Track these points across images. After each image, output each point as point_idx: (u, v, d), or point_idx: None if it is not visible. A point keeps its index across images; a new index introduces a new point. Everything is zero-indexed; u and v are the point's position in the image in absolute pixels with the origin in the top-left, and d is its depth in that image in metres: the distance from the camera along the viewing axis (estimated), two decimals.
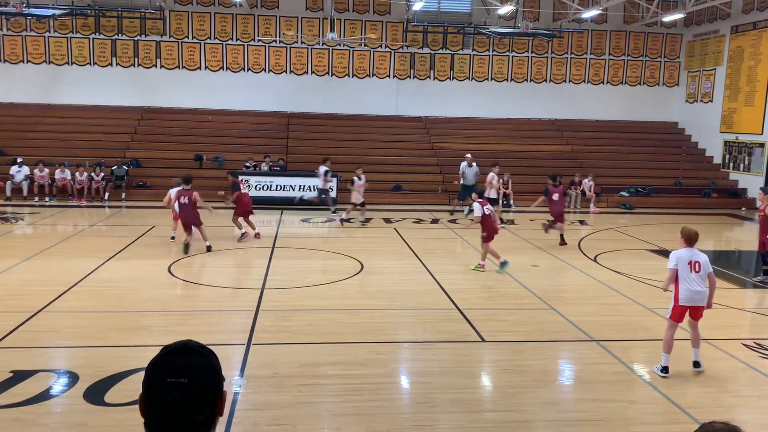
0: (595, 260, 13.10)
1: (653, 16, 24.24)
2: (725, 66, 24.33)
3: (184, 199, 12.84)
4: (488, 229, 11.65)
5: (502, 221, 13.61)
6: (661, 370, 7.01)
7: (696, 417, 5.90)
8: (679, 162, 24.77)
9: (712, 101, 25.13)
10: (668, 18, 23.92)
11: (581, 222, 18.97)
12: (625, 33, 26.50)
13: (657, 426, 5.93)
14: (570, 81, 26.54)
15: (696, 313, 7.17)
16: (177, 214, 13.18)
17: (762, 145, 22.52)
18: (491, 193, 17.25)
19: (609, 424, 5.88)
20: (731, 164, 24.07)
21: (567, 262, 12.81)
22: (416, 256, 13.00)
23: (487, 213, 11.60)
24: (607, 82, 26.76)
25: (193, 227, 12.85)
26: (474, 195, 12.32)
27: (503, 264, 11.61)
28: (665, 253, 13.87)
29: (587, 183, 21.45)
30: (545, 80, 26.40)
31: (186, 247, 12.51)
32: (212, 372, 1.72)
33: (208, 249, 12.86)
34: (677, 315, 7.11)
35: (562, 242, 14.29)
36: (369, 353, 7.41)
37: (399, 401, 6.47)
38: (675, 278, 7.08)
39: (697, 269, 7.02)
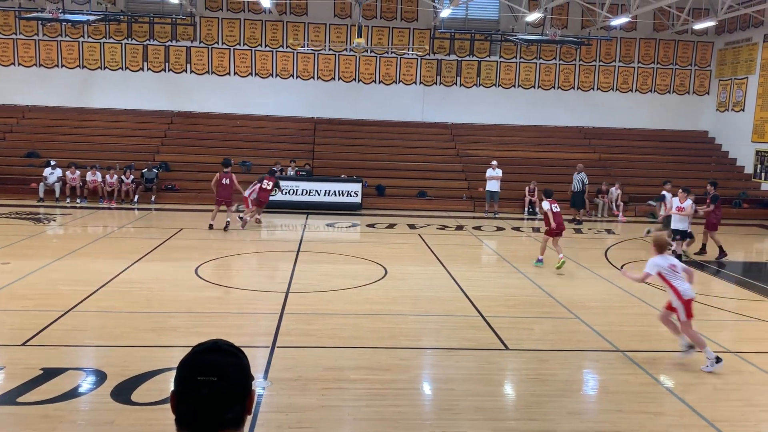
0: (621, 270, 12.93)
1: (684, 24, 23.94)
2: (758, 74, 23.91)
3: (226, 180, 15.84)
4: (554, 224, 12.60)
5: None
6: (716, 361, 7.29)
7: (723, 431, 5.80)
8: (709, 171, 24.37)
9: (743, 110, 24.71)
10: (699, 26, 23.60)
11: (608, 231, 18.77)
12: (654, 41, 26.21)
13: None
14: (598, 89, 26.32)
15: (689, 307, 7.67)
16: (218, 196, 15.97)
17: None
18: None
19: None
20: (763, 174, 23.61)
21: (593, 271, 12.69)
22: (440, 262, 12.98)
23: (555, 210, 12.69)
24: (636, 90, 26.48)
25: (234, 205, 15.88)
26: (540, 194, 13.88)
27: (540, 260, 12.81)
28: (696, 264, 13.67)
29: (614, 191, 21.22)
30: (573, 87, 26.21)
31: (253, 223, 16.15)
32: (242, 371, 1.75)
33: (226, 227, 15.53)
34: (690, 311, 7.54)
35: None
36: (392, 359, 7.42)
37: (421, 407, 6.46)
38: (665, 282, 7.68)
39: (677, 270, 7.69)
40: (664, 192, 15.59)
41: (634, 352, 7.92)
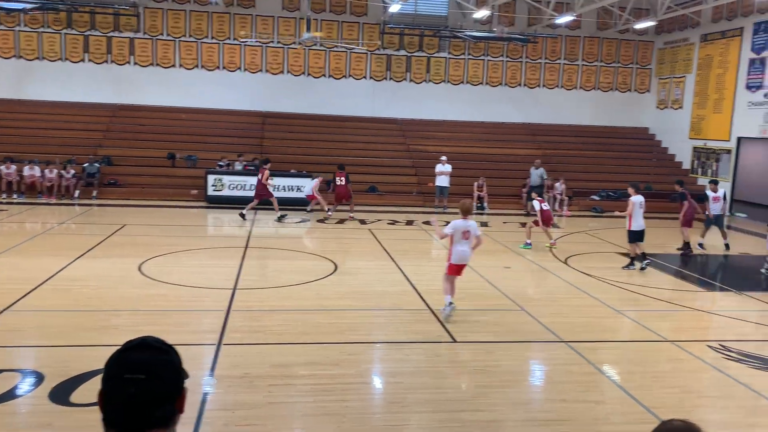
0: (565, 262, 13.26)
1: (626, 24, 24.63)
2: (694, 73, 24.82)
3: (260, 175, 17.14)
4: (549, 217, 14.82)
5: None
6: (449, 305, 8.80)
7: (661, 417, 6.01)
8: (649, 167, 25.19)
9: (681, 108, 25.61)
10: (640, 25, 24.32)
11: (553, 225, 19.16)
12: (598, 39, 26.87)
13: (622, 426, 6.03)
14: (544, 86, 26.83)
15: (461, 270, 9.10)
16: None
17: (729, 151, 23.02)
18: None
19: (576, 424, 5.96)
20: (700, 170, 24.55)
21: (539, 264, 12.96)
22: (390, 257, 13.03)
23: (545, 208, 14.87)
24: (580, 88, 27.11)
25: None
26: (534, 194, 15.38)
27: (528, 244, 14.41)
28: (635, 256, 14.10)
29: (559, 187, 21.70)
30: (519, 84, 26.65)
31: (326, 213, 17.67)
32: (171, 368, 1.71)
33: (280, 218, 16.91)
34: (452, 271, 9.02)
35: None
36: (341, 354, 7.41)
37: (370, 401, 6.48)
38: (450, 241, 8.98)
39: (467, 237, 8.86)
40: (707, 191, 15.82)
41: (578, 342, 8.13)
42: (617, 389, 6.82)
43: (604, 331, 9.05)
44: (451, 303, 8.85)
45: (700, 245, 15.20)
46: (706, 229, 15.64)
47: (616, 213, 14.78)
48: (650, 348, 8.24)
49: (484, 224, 18.52)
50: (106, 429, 1.65)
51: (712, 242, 15.69)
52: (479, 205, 21.31)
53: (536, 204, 14.97)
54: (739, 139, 22.71)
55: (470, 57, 26.19)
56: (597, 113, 27.02)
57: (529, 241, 14.73)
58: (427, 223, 18.08)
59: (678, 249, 15.09)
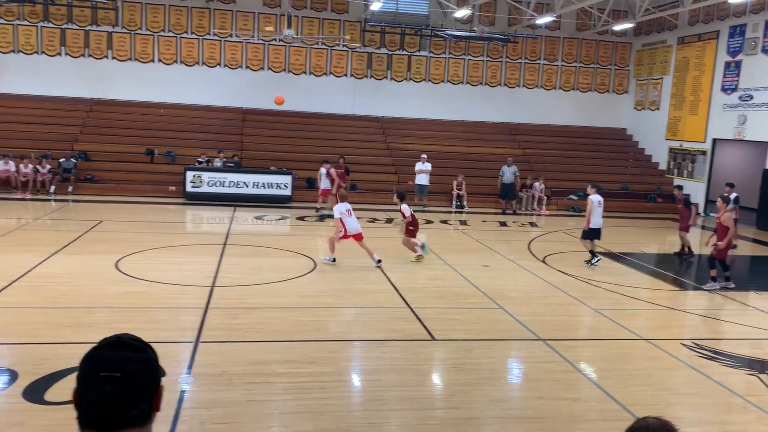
0: (543, 261, 13.37)
1: (604, 25, 24.88)
2: (671, 75, 25.15)
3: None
4: (415, 224, 12.89)
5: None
6: (332, 261, 11.71)
7: (636, 414, 6.08)
8: (626, 167, 25.49)
9: (659, 109, 25.95)
10: (618, 27, 24.57)
11: (531, 224, 19.33)
12: (577, 40, 27.12)
13: (598, 423, 6.10)
14: (524, 85, 27.01)
15: (359, 237, 11.97)
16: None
17: (704, 152, 23.37)
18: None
19: (553, 421, 6.02)
20: (676, 170, 24.90)
21: (516, 263, 13.04)
22: (370, 255, 12.99)
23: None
24: (560, 88, 27.34)
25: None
26: (395, 197, 13.21)
27: (423, 246, 12.84)
28: (611, 256, 14.27)
29: (538, 186, 21.87)
30: (499, 84, 26.80)
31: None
32: (147, 366, 1.69)
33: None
34: (346, 237, 11.82)
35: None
36: (319, 351, 7.40)
37: (348, 399, 6.48)
38: (341, 222, 11.69)
39: (351, 215, 11.90)
40: (735, 194, 15.72)
41: (555, 340, 8.20)
42: (594, 387, 6.89)
43: (582, 329, 9.14)
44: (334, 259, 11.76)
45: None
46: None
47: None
48: (626, 346, 8.35)
49: (462, 222, 18.62)
50: (81, 428, 1.63)
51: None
52: (458, 203, 21.40)
53: (406, 209, 12.76)
54: (715, 141, 23.07)
55: (451, 56, 26.27)
56: (576, 113, 27.27)
57: (421, 245, 12.93)
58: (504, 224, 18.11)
59: (678, 252, 15.08)
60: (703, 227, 18.22)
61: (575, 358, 7.67)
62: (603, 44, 27.37)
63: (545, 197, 21.81)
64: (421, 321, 8.69)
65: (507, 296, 10.31)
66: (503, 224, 18.86)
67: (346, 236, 11.88)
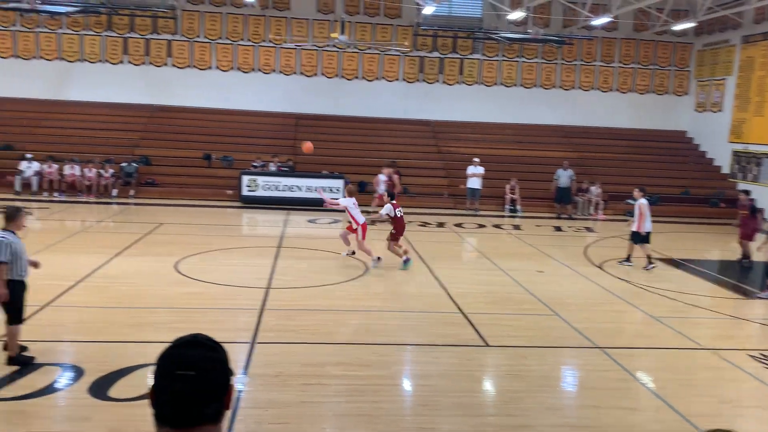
0: (600, 267, 13.08)
1: (664, 25, 24.20)
2: (735, 76, 24.25)
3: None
4: (399, 228, 12.26)
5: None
6: (378, 259, 11.93)
7: (698, 425, 5.90)
8: (686, 171, 24.71)
9: (721, 111, 25.05)
10: (679, 27, 23.86)
11: (587, 229, 18.95)
12: (635, 41, 26.46)
13: None
14: (579, 87, 26.52)
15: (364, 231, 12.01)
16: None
17: None
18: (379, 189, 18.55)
19: (610, 430, 5.88)
20: (740, 174, 23.98)
21: (572, 269, 12.80)
22: (421, 259, 13.00)
23: (399, 215, 12.22)
24: (616, 90, 26.73)
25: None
26: (386, 197, 12.88)
27: (406, 261, 11.97)
28: (671, 262, 13.87)
29: (594, 190, 21.42)
30: (554, 86, 26.39)
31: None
32: (220, 365, 1.74)
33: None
34: (365, 233, 12.00)
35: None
36: (372, 355, 7.43)
37: (401, 403, 6.49)
38: (349, 214, 12.07)
39: (356, 205, 12.25)
40: None
41: (612, 348, 8.01)
42: (653, 397, 6.71)
43: (640, 337, 8.91)
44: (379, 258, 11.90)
45: None
46: None
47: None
48: (687, 355, 8.09)
49: (516, 227, 18.40)
50: (157, 424, 1.69)
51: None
52: (512, 207, 21.16)
53: (388, 209, 12.17)
54: None
55: (504, 58, 26.02)
56: (633, 116, 26.60)
57: (406, 257, 12.05)
58: (458, 225, 18.03)
59: (740, 260, 14.52)
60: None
61: (633, 367, 7.48)
62: (662, 45, 26.63)
63: (602, 202, 21.34)
64: (473, 326, 8.63)
65: (562, 302, 10.13)
66: (558, 229, 18.55)
67: (364, 231, 12.06)
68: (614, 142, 25.78)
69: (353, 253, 12.50)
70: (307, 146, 13.49)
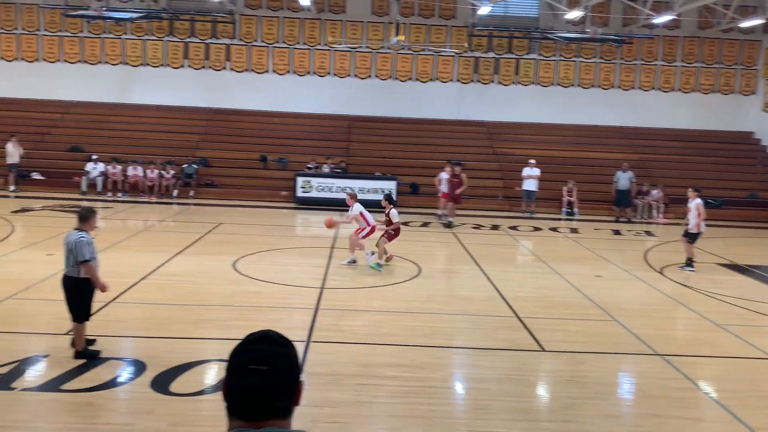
0: (661, 272, 12.70)
1: (730, 22, 23.32)
2: None
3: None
4: (396, 231, 12.19)
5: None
6: (371, 254, 11.71)
7: None
8: (753, 174, 23.74)
9: None
10: (746, 24, 22.93)
11: (647, 233, 18.43)
12: (699, 39, 25.59)
13: None
14: (639, 87, 25.82)
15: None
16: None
17: None
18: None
19: None
20: None
21: (632, 273, 12.47)
22: (475, 261, 12.90)
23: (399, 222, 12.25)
24: (678, 90, 25.90)
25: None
26: (384, 201, 12.59)
27: (380, 264, 11.64)
28: (736, 268, 13.34)
29: (656, 193, 20.79)
30: (613, 86, 25.77)
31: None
32: (291, 361, 1.78)
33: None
34: (372, 233, 12.05)
35: None
36: (427, 357, 7.41)
37: (456, 406, 6.45)
38: (362, 216, 12.05)
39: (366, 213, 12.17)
40: None
41: (673, 356, 7.76)
42: (718, 407, 6.46)
43: (704, 345, 8.59)
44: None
45: None
46: None
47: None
48: (755, 365, 7.77)
49: (573, 230, 18.04)
50: (230, 417, 1.73)
51: None
52: (568, 210, 20.76)
53: (395, 215, 12.18)
54: None
55: (561, 58, 25.58)
56: (696, 116, 25.71)
57: (377, 257, 11.86)
58: (513, 228, 17.80)
59: None
60: None
61: (696, 376, 7.23)
62: (728, 42, 25.65)
63: (662, 205, 20.71)
64: (529, 331, 8.50)
65: (621, 308, 9.87)
66: (617, 232, 18.10)
67: (371, 233, 12.08)
68: (676, 143, 24.98)
69: (356, 260, 12.09)
70: (329, 222, 12.86)
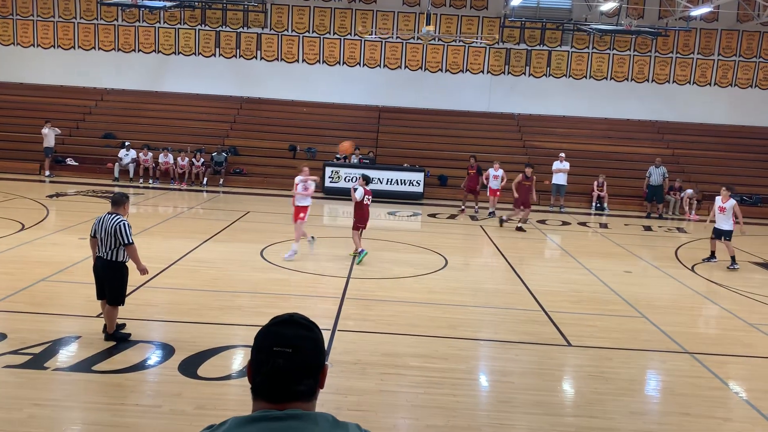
0: (692, 269, 12.49)
1: None
2: None
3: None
4: (360, 217, 11.64)
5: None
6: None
7: None
8: None
9: None
10: None
11: (679, 229, 18.11)
12: (737, 32, 24.98)
13: None
14: (674, 81, 25.32)
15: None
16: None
17: None
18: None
19: None
20: None
21: (662, 270, 12.28)
22: (502, 254, 12.83)
23: (366, 202, 11.61)
24: (715, 84, 25.34)
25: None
26: (360, 180, 11.90)
27: (361, 252, 11.36)
28: None
29: (690, 190, 20.37)
30: (647, 80, 25.31)
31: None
32: (316, 344, 1.79)
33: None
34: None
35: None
36: (451, 348, 7.40)
37: (479, 398, 6.44)
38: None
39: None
40: None
41: (703, 354, 7.64)
42: (748, 407, 6.34)
43: (734, 344, 8.43)
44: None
45: None
46: None
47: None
48: None
49: (603, 225, 17.82)
50: (254, 398, 1.75)
51: None
52: (598, 205, 20.51)
53: (359, 194, 11.56)
54: None
55: (594, 51, 25.20)
56: (733, 111, 25.14)
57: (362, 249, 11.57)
58: (542, 222, 17.64)
59: None
60: None
61: (726, 375, 7.11)
62: None
63: (695, 201, 20.33)
64: (556, 325, 8.43)
65: (651, 304, 9.73)
66: (648, 228, 17.83)
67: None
68: (711, 138, 24.48)
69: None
70: (344, 147, 12.85)
